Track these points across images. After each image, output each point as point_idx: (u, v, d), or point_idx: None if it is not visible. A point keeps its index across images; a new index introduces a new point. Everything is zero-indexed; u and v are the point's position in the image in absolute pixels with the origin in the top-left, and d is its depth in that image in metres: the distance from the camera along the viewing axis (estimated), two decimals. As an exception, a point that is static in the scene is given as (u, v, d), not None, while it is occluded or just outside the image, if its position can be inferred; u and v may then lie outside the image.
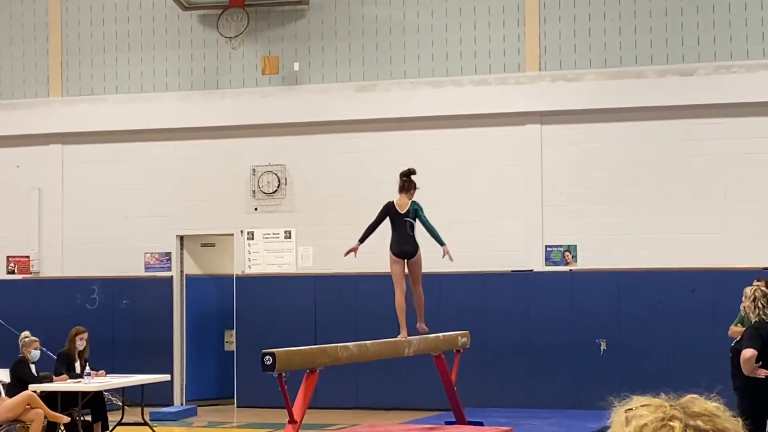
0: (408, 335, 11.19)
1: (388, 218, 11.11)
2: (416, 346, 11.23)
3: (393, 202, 11.15)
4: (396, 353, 11.41)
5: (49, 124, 17.66)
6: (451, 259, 11.16)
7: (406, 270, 11.11)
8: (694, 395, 2.05)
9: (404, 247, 11.02)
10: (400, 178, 11.26)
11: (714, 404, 2.03)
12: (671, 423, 1.97)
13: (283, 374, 8.66)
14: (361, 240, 11.19)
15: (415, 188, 11.20)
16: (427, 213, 11.20)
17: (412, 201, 11.09)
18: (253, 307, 16.98)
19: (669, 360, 15.39)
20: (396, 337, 11.24)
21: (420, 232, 11.15)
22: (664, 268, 15.64)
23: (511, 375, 16.01)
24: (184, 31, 17.42)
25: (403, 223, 11.02)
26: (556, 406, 15.60)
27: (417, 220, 11.05)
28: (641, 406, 2.03)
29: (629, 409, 2.03)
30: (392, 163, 16.40)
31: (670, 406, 2.01)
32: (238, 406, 16.96)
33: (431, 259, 11.85)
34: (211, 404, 17.29)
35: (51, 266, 17.82)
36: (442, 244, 11.09)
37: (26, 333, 13.70)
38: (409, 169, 11.28)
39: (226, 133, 17.21)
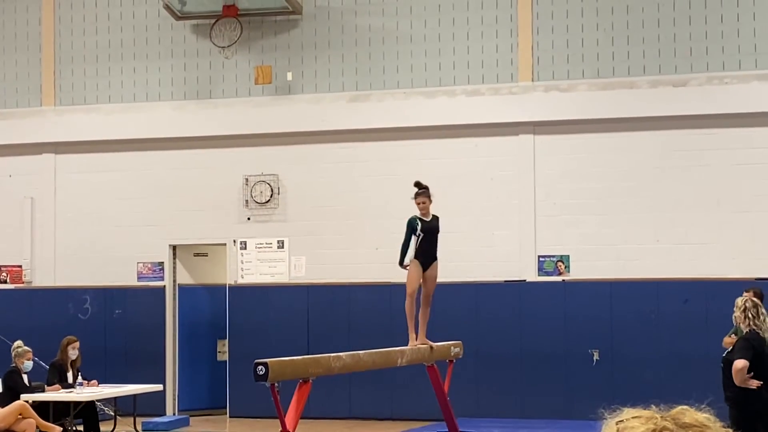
0: (417, 342, 11.29)
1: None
2: (409, 357, 11.22)
3: None
4: (389, 363, 11.40)
5: (42, 133, 17.64)
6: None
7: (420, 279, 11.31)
8: (685, 406, 2.06)
9: None
10: None
11: (705, 415, 2.03)
12: (662, 434, 1.98)
13: (276, 384, 8.64)
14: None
15: (417, 199, 11.38)
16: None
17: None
18: (245, 317, 16.95)
19: (662, 370, 15.37)
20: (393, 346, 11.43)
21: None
22: (657, 278, 15.64)
23: (504, 385, 15.98)
24: (177, 40, 17.41)
25: None
26: (548, 417, 15.59)
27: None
28: (632, 417, 2.03)
29: (620, 421, 2.03)
30: (385, 173, 16.45)
31: (661, 417, 2.01)
32: (230, 417, 16.92)
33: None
34: (204, 414, 17.24)
35: (43, 276, 17.78)
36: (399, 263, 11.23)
37: (19, 342, 13.67)
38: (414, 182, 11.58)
39: (219, 143, 17.20)
